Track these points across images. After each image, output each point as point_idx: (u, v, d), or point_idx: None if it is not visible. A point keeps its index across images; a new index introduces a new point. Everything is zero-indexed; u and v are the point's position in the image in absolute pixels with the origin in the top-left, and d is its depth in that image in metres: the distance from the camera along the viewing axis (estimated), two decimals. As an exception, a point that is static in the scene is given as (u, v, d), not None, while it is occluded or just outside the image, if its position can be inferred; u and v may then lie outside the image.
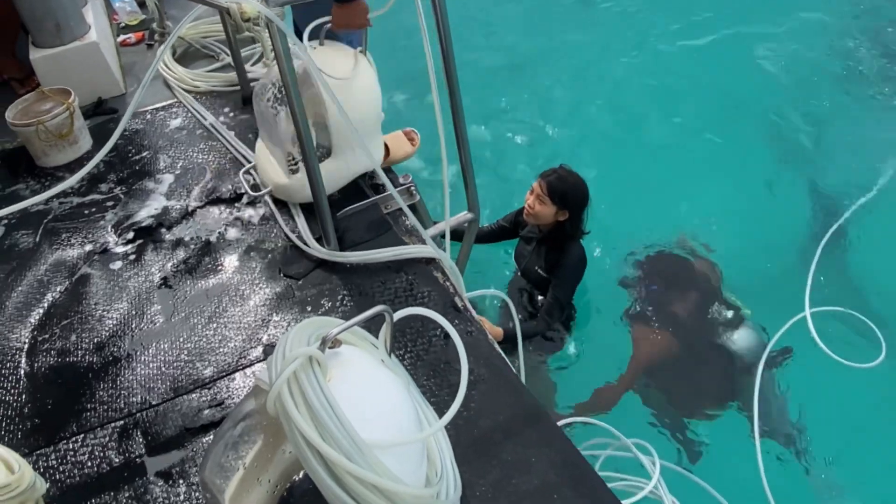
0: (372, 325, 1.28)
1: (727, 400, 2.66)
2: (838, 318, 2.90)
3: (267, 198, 2.20)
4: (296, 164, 2.11)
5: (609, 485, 2.03)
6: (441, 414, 1.24)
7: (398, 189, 2.27)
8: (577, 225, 2.72)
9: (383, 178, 1.93)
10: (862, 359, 2.72)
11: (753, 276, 3.23)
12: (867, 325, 2.85)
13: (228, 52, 2.92)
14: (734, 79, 4.52)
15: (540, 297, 2.84)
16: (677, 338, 2.71)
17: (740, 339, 2.74)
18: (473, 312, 1.94)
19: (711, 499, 2.12)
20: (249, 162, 2.34)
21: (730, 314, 2.77)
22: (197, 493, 1.39)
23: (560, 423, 2.22)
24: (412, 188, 2.33)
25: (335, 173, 2.13)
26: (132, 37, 3.32)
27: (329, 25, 2.01)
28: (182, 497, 1.39)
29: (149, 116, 2.72)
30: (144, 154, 2.50)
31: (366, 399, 1.22)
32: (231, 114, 2.69)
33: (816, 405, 2.69)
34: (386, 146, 2.65)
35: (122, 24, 3.42)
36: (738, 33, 4.91)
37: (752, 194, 3.74)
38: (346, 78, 2.00)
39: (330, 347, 1.24)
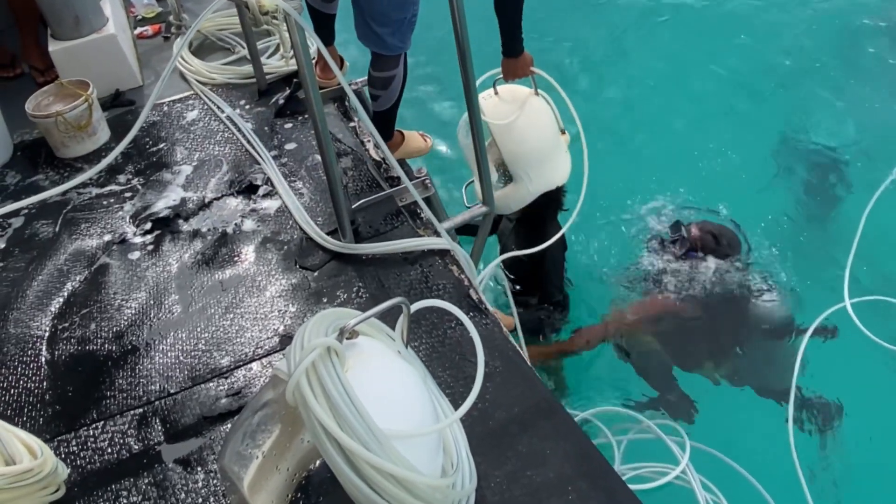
0: (387, 317, 1.29)
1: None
2: (873, 306, 2.85)
3: (281, 189, 2.21)
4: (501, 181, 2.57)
5: (636, 472, 2.05)
6: (456, 405, 1.24)
7: (413, 182, 2.26)
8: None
9: (398, 170, 1.93)
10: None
11: (789, 265, 3.24)
12: None
13: (244, 44, 2.92)
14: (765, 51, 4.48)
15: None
16: (697, 301, 2.67)
17: (772, 309, 2.69)
18: (488, 305, 1.94)
19: (740, 478, 2.12)
20: (262, 156, 2.35)
21: (763, 285, 2.73)
22: (215, 481, 1.41)
23: (579, 417, 2.22)
24: (427, 181, 2.32)
25: (515, 195, 2.56)
26: (149, 29, 3.33)
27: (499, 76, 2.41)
28: (200, 484, 1.40)
29: (166, 108, 2.73)
30: (162, 146, 2.52)
31: (383, 390, 1.22)
32: (247, 106, 2.69)
33: (851, 389, 2.69)
34: (402, 134, 2.65)
35: (139, 17, 3.44)
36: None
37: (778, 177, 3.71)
38: (505, 122, 2.42)
39: (347, 338, 1.24)
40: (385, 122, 2.48)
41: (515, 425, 1.51)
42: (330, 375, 1.14)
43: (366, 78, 2.95)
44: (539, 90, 2.52)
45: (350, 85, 2.65)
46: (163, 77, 1.64)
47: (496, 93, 2.48)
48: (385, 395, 1.21)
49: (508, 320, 2.56)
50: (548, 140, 2.51)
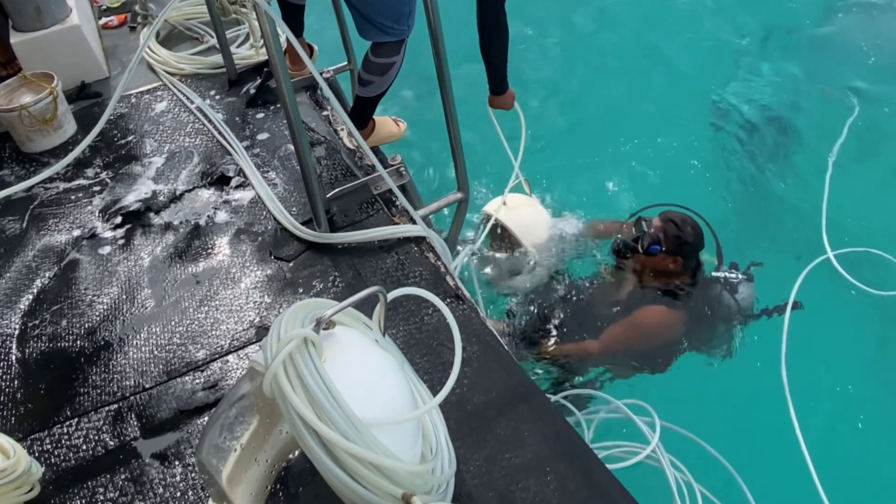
0: (364, 305, 1.27)
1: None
2: (853, 258, 2.92)
3: (254, 180, 2.16)
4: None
5: (607, 452, 2.06)
6: (434, 391, 1.23)
7: (388, 170, 2.24)
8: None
9: (372, 158, 1.90)
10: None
11: (765, 228, 3.25)
12: (885, 259, 2.90)
13: (213, 34, 2.85)
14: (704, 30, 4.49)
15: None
16: (686, 311, 2.60)
17: (745, 293, 2.68)
18: (464, 291, 1.93)
19: (709, 457, 2.15)
20: (234, 147, 2.30)
21: (733, 273, 2.71)
22: (193, 474, 1.38)
23: (552, 400, 2.22)
24: (402, 169, 2.29)
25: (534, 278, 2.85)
26: (114, 19, 3.23)
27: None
28: (178, 478, 1.37)
29: (133, 100, 2.65)
30: (130, 138, 2.44)
31: (361, 379, 1.20)
32: (217, 97, 2.63)
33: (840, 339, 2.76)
34: (372, 121, 2.62)
35: (104, 7, 3.32)
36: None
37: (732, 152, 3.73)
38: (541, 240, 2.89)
39: (324, 329, 1.22)
40: (367, 109, 2.43)
41: (493, 409, 1.51)
42: (307, 366, 1.12)
43: (339, 66, 2.91)
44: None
45: (321, 74, 2.61)
46: (129, 68, 1.58)
47: (505, 203, 2.89)
48: (363, 383, 1.20)
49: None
50: (546, 224, 2.99)
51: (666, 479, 1.91)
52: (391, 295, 1.29)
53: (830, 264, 2.83)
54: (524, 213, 2.94)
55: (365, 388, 1.19)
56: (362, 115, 2.48)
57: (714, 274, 2.62)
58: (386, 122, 2.77)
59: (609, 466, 1.86)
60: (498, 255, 2.88)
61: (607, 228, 2.95)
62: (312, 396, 1.09)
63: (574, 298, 2.72)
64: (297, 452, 1.31)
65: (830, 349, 2.84)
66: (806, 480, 2.25)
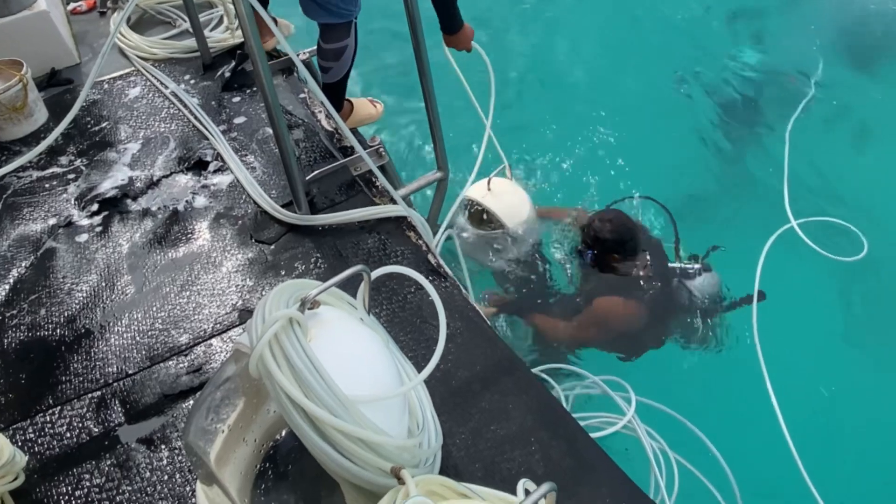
0: (347, 286, 1.25)
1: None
2: (815, 227, 3.00)
3: (232, 164, 2.12)
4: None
5: (586, 422, 2.08)
6: (419, 368, 1.22)
7: (367, 151, 2.21)
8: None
9: (352, 139, 1.87)
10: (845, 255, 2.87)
11: (732, 202, 3.28)
12: (846, 228, 2.99)
13: (186, 17, 2.77)
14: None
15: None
16: (647, 305, 2.61)
17: (705, 285, 2.72)
18: (446, 268, 1.92)
19: (684, 429, 2.18)
20: (210, 132, 2.25)
21: (691, 265, 2.73)
22: (180, 457, 1.36)
23: (536, 370, 2.23)
24: (381, 149, 2.27)
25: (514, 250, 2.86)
26: (83, 4, 3.12)
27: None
28: (165, 461, 1.35)
29: (106, 86, 2.57)
30: (104, 125, 2.37)
31: (347, 357, 1.19)
32: (192, 81, 2.56)
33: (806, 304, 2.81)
34: (350, 103, 2.58)
35: (72, -8, 3.21)
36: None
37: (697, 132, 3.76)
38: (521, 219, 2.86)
39: (309, 309, 1.20)
40: (336, 93, 2.39)
41: (478, 383, 1.51)
42: (293, 346, 1.10)
43: (314, 48, 2.85)
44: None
45: (298, 55, 2.55)
46: (102, 53, 1.53)
47: (489, 188, 2.86)
48: (349, 361, 1.18)
49: (490, 310, 2.57)
50: (529, 211, 2.94)
51: (643, 449, 1.94)
52: (375, 273, 1.27)
53: (795, 235, 2.88)
54: (507, 199, 2.94)
55: (351, 365, 1.17)
56: (334, 99, 2.43)
57: (670, 265, 2.65)
58: (363, 104, 2.73)
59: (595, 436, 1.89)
60: (481, 231, 2.87)
61: (552, 213, 2.99)
62: (299, 375, 1.07)
63: (549, 285, 2.76)
64: (284, 432, 1.30)
65: (800, 317, 2.90)
66: (782, 447, 2.30)
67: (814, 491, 2.19)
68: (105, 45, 1.54)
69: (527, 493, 0.92)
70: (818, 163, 3.51)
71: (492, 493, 1.10)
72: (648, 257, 2.68)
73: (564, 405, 2.29)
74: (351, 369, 1.16)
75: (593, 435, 2.06)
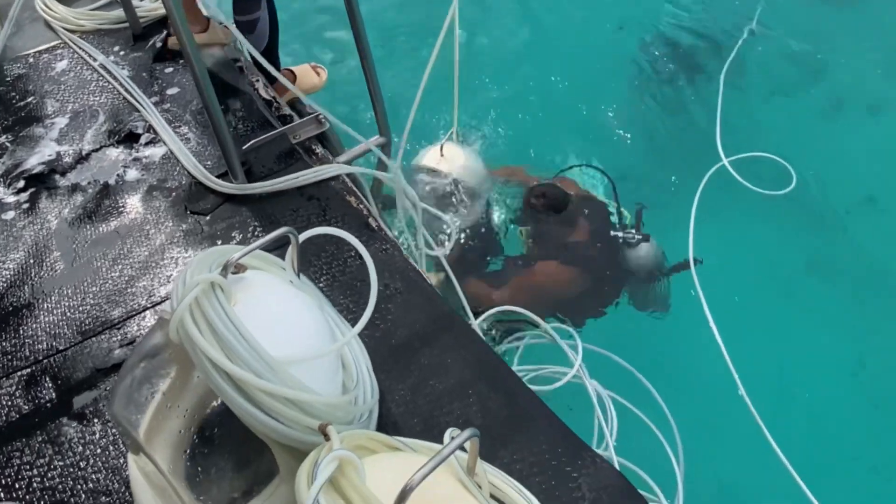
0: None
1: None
2: (748, 162, 3.10)
3: (165, 136, 2.04)
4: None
5: (533, 374, 2.11)
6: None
7: (306, 118, 2.15)
8: None
9: (287, 108, 1.82)
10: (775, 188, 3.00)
11: (668, 146, 3.33)
12: (777, 162, 3.12)
13: (113, -13, 2.63)
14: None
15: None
16: (585, 270, 2.66)
17: (643, 255, 2.75)
18: (388, 231, 1.89)
19: (632, 378, 2.23)
20: (142, 103, 2.15)
21: (631, 233, 2.75)
22: (114, 430, 1.32)
23: (479, 319, 2.22)
24: (320, 116, 2.21)
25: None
26: (4, -24, 2.93)
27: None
28: (98, 435, 1.32)
29: (31, 60, 2.44)
30: (30, 100, 2.25)
31: (274, 318, 1.17)
32: (122, 52, 2.44)
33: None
34: (293, 73, 2.49)
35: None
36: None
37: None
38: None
39: (234, 273, 1.17)
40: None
41: (417, 341, 1.50)
42: (214, 309, 1.07)
43: (250, 16, 2.74)
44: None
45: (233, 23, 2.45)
46: (6, 24, 1.44)
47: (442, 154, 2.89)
48: (276, 323, 1.16)
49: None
50: (482, 170, 3.00)
51: (588, 399, 1.97)
52: (303, 236, 1.24)
53: (729, 174, 2.96)
54: (460, 162, 2.91)
55: (278, 327, 1.15)
56: (265, 73, 2.32)
57: (612, 233, 2.69)
58: (306, 73, 2.63)
59: (536, 388, 1.92)
60: (430, 178, 2.84)
61: (507, 173, 3.00)
62: (221, 338, 1.05)
63: (495, 248, 2.77)
64: (218, 400, 1.27)
65: (738, 254, 3.00)
66: (731, 394, 2.37)
67: (767, 434, 2.24)
68: (10, 14, 1.44)
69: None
70: (750, 103, 3.59)
71: (423, 445, 1.10)
72: (589, 224, 2.71)
73: (515, 357, 2.32)
74: (278, 331, 1.14)
75: (544, 388, 2.10)
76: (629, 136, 3.53)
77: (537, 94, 3.75)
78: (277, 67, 2.35)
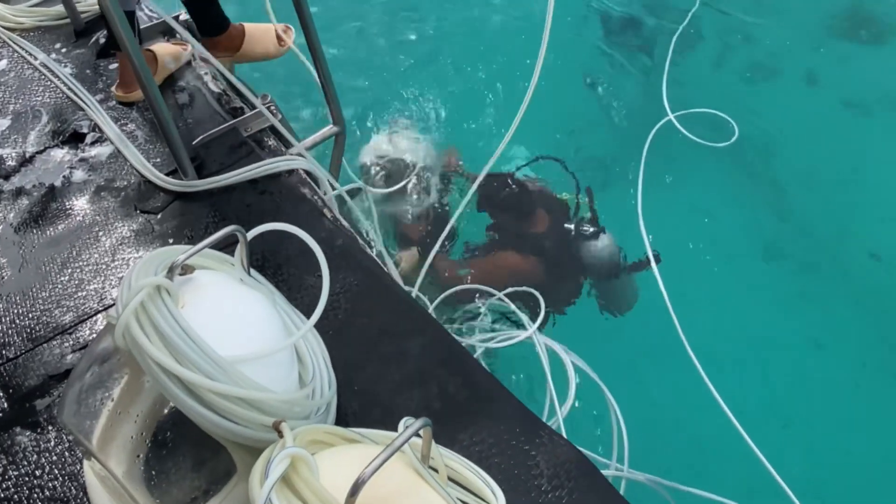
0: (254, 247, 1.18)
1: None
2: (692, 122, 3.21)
3: (111, 134, 1.96)
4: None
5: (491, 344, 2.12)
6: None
7: (256, 111, 2.09)
8: None
9: (249, 95, 1.74)
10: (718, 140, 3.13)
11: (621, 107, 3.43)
12: (720, 117, 3.25)
13: (50, -19, 2.50)
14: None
15: None
16: (542, 261, 2.66)
17: (601, 248, 2.75)
18: (343, 222, 1.86)
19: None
20: (86, 102, 2.06)
21: (586, 227, 2.76)
22: (70, 437, 1.28)
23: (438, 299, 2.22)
24: (272, 107, 2.15)
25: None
26: (-66, -27, 2.76)
27: None
28: (53, 442, 1.27)
29: (-32, 61, 2.31)
30: (-32, 102, 2.14)
31: (223, 318, 1.13)
32: (63, 50, 2.33)
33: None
34: (242, 31, 2.06)
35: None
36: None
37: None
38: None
39: (181, 274, 1.13)
40: (204, 15, 1.94)
41: (375, 330, 1.48)
42: (161, 313, 1.03)
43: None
44: None
45: (175, 17, 2.36)
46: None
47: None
48: (226, 322, 1.13)
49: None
50: None
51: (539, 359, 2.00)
52: (251, 233, 1.21)
53: (675, 129, 3.10)
54: (406, 144, 2.90)
55: (228, 326, 1.12)
56: (205, 23, 1.95)
57: (566, 225, 2.71)
58: (261, 36, 2.07)
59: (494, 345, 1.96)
60: (383, 164, 2.82)
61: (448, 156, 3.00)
62: (169, 342, 1.01)
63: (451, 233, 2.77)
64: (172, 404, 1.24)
65: (686, 207, 3.08)
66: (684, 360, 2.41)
67: (722, 405, 2.27)
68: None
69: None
70: (697, 68, 3.73)
71: (382, 434, 1.09)
72: (548, 217, 2.72)
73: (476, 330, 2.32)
74: (229, 330, 1.11)
75: (501, 345, 2.11)
76: (580, 112, 3.58)
77: (479, 75, 3.75)
78: (216, 22, 2.03)
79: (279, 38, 2.07)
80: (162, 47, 2.17)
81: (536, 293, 2.30)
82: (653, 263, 2.56)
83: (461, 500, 0.95)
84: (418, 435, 0.91)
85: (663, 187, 3.06)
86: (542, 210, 2.71)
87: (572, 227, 2.69)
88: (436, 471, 0.96)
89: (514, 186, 2.69)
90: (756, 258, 3.09)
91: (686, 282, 2.72)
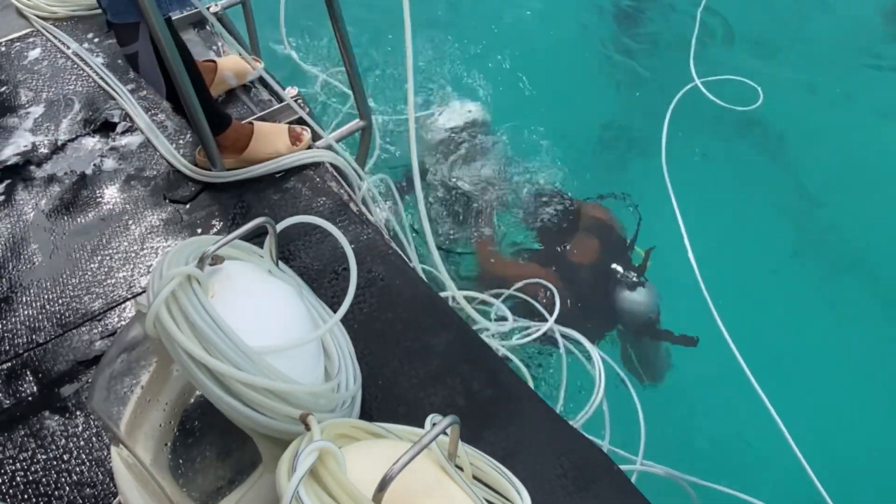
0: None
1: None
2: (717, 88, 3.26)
3: (142, 124, 1.96)
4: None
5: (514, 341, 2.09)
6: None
7: (284, 104, 2.08)
8: None
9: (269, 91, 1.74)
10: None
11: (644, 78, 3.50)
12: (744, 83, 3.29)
13: (84, -28, 2.50)
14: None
15: None
16: (572, 289, 2.51)
17: (637, 299, 2.54)
18: (369, 216, 1.85)
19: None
20: (117, 91, 2.06)
21: (631, 274, 2.60)
22: (97, 422, 1.28)
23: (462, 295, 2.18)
24: (300, 101, 2.14)
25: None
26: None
27: None
28: (81, 427, 1.27)
29: (3, 49, 2.32)
30: (3, 89, 2.15)
31: (252, 309, 1.12)
32: (96, 40, 2.34)
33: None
34: (250, 132, 1.84)
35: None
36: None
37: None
38: None
39: (211, 264, 1.12)
40: (203, 113, 1.64)
41: (400, 324, 1.46)
42: (191, 302, 1.02)
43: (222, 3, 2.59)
44: None
45: (209, 9, 2.35)
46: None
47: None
48: (255, 313, 1.11)
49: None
50: None
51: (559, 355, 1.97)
52: (280, 225, 1.19)
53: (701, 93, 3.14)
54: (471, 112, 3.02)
55: (257, 317, 1.11)
56: (212, 119, 1.70)
57: (612, 266, 2.56)
58: (277, 134, 1.86)
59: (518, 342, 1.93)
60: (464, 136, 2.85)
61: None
62: (199, 332, 1.00)
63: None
64: (199, 392, 1.23)
65: (713, 177, 3.04)
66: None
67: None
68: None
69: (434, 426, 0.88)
70: (722, 38, 3.78)
71: (407, 430, 1.07)
72: (598, 253, 2.60)
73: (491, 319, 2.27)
74: (257, 321, 1.09)
75: (523, 341, 2.07)
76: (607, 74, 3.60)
77: (512, 45, 3.76)
78: (213, 121, 1.72)
79: (295, 136, 1.86)
80: (229, 61, 2.10)
81: (551, 286, 2.25)
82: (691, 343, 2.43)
83: (486, 500, 0.93)
84: (445, 433, 0.89)
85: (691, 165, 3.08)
86: (596, 240, 2.59)
87: (619, 269, 2.56)
88: (461, 469, 0.94)
89: (570, 206, 2.59)
90: (787, 254, 3.03)
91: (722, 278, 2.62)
